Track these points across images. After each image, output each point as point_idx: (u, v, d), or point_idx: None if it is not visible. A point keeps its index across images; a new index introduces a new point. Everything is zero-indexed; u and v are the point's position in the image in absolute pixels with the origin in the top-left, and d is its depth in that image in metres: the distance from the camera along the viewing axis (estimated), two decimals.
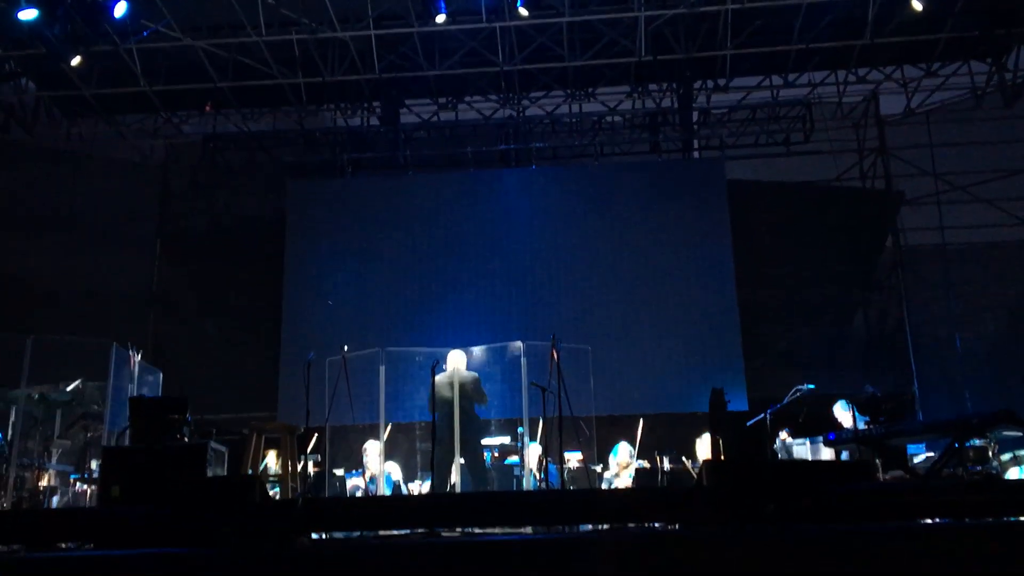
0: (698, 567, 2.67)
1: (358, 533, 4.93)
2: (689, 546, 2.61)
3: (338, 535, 5.14)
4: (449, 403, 8.53)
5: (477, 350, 9.74)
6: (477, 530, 4.56)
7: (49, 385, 8.76)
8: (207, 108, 13.68)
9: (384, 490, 9.03)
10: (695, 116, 13.77)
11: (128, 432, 7.02)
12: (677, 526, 4.26)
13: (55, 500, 8.34)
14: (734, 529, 3.11)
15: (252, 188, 14.39)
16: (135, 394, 9.22)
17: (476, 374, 8.90)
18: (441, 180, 13.56)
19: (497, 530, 4.85)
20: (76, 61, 10.75)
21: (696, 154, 14.07)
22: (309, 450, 9.04)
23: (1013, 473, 8.67)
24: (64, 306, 12.72)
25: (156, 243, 14.10)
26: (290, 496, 6.92)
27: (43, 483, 8.21)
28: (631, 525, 4.35)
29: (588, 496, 5.47)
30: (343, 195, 13.48)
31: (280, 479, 7.31)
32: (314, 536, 4.59)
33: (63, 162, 13.98)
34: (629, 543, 2.54)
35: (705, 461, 6.75)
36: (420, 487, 9.46)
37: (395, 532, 4.74)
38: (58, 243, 13.38)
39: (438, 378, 8.38)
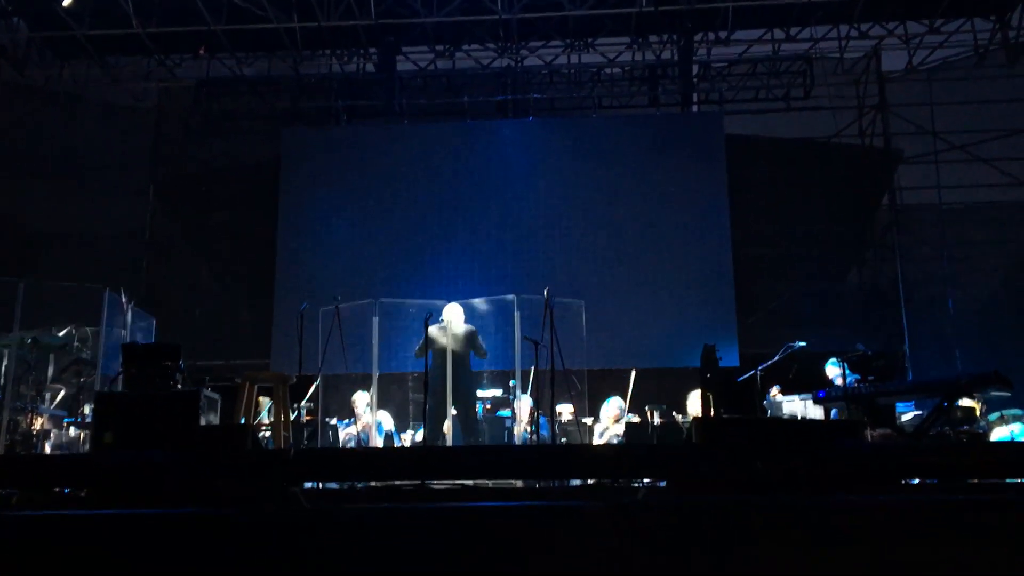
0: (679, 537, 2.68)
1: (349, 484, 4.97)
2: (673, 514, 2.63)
3: (331, 485, 5.19)
4: (443, 354, 8.56)
5: (471, 303, 9.73)
6: (468, 482, 4.59)
7: (42, 330, 8.74)
8: (201, 52, 13.48)
9: (376, 439, 9.09)
10: (695, 70, 13.61)
11: (121, 378, 7.04)
12: (664, 483, 4.30)
13: (48, 444, 8.38)
14: (723, 498, 3.12)
15: (246, 134, 14.26)
16: (128, 340, 9.22)
17: (473, 327, 8.92)
18: (437, 130, 13.46)
19: (488, 482, 4.89)
20: (68, 1, 10.55)
21: (695, 108, 13.96)
22: (306, 399, 9.10)
23: (999, 432, 8.76)
24: (56, 250, 12.69)
25: (149, 188, 13.99)
26: (283, 445, 6.96)
27: (37, 427, 8.23)
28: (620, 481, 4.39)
29: (578, 451, 5.51)
30: (338, 143, 13.38)
31: (273, 428, 7.35)
32: (307, 486, 4.62)
33: (55, 104, 13.81)
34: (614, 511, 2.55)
35: (695, 418, 6.80)
36: (412, 436, 9.53)
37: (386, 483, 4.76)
38: (49, 186, 13.28)
39: (433, 329, 8.40)
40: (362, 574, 2.83)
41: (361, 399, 9.40)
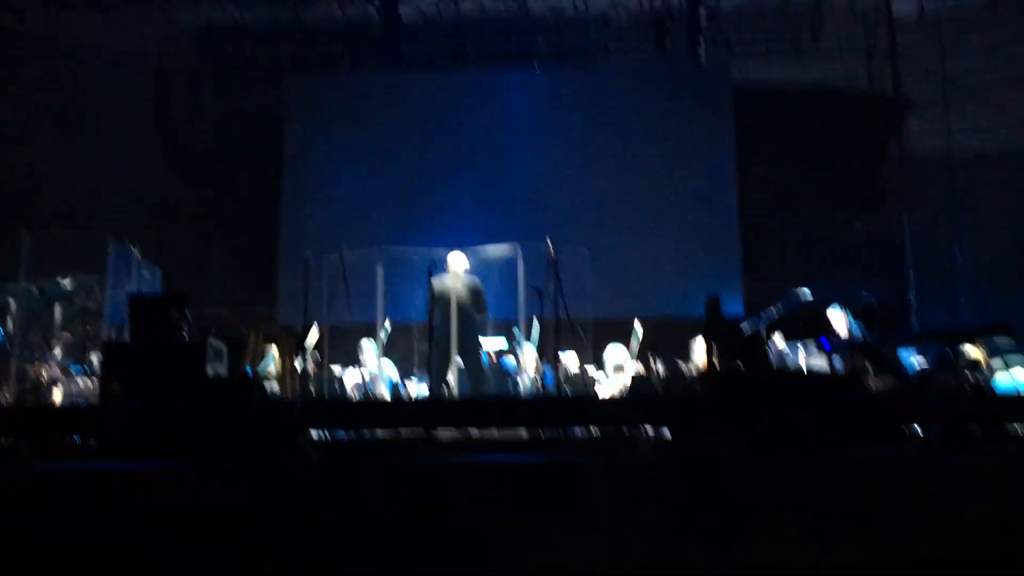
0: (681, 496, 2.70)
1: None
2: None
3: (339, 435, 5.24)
4: (447, 304, 8.57)
5: (474, 250, 9.70)
6: (473, 431, 4.63)
7: (48, 279, 8.77)
8: None
9: (382, 388, 9.15)
10: (703, 15, 13.40)
11: (127, 328, 7.06)
12: (668, 432, 4.33)
13: (57, 392, 8.45)
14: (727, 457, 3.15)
15: (249, 83, 14.13)
16: (134, 290, 9.24)
17: (478, 280, 8.86)
18: (441, 78, 13.31)
19: (494, 432, 4.93)
20: None
21: (702, 56, 13.77)
22: (312, 347, 9.12)
23: (1001, 377, 8.79)
24: (61, 200, 12.66)
25: (153, 138, 13.91)
26: (289, 396, 7.01)
27: (45, 376, 8.30)
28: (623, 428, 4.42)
29: (582, 401, 5.54)
30: (342, 91, 13.27)
31: (279, 379, 7.40)
32: (314, 434, 4.66)
33: (54, 54, 13.67)
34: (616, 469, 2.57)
35: (700, 371, 6.83)
36: (417, 386, 9.59)
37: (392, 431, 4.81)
38: (51, 135, 13.22)
39: (438, 279, 8.40)
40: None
41: (368, 347, 9.44)
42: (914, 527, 2.73)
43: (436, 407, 4.94)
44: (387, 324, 9.55)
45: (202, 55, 13.87)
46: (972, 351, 8.18)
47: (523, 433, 5.23)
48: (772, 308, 8.91)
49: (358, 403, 7.50)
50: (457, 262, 8.83)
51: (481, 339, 9.19)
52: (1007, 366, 8.61)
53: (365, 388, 9.18)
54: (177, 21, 13.83)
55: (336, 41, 13.70)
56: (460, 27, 13.60)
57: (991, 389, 8.16)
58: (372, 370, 9.27)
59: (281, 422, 4.45)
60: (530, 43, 13.48)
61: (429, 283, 8.06)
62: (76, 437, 4.78)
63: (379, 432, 4.98)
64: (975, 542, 2.71)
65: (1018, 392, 8.37)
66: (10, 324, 8.40)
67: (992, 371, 8.73)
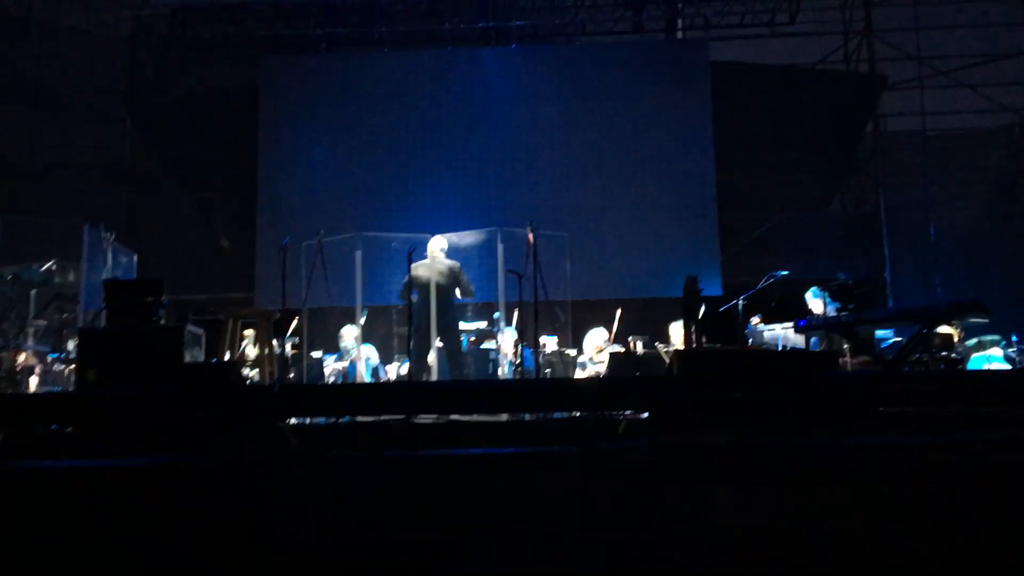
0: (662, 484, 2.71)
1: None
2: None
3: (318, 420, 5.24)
4: (427, 288, 8.57)
5: (454, 236, 9.70)
6: (454, 416, 4.65)
7: (22, 265, 8.68)
8: None
9: (363, 373, 9.15)
10: None
11: (103, 314, 7.01)
12: (647, 415, 4.36)
13: (33, 380, 8.38)
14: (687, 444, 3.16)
15: (224, 62, 13.98)
16: (110, 275, 9.16)
17: (457, 263, 8.89)
18: (418, 58, 13.24)
19: (475, 417, 4.93)
20: None
21: (679, 35, 13.77)
22: (289, 333, 9.10)
23: (975, 355, 8.91)
24: (33, 182, 12.53)
25: (126, 118, 13.75)
26: (267, 381, 6.99)
27: (20, 363, 8.23)
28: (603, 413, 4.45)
29: (561, 384, 5.57)
30: (318, 72, 13.16)
31: (258, 364, 7.37)
32: (292, 421, 4.66)
33: (26, 33, 13.48)
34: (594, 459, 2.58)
35: (675, 350, 6.87)
36: (398, 370, 9.59)
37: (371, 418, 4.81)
38: (24, 116, 13.07)
39: (416, 264, 8.40)
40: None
41: (349, 333, 9.42)
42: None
43: (415, 391, 4.95)
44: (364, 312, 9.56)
45: (176, 35, 13.69)
46: (946, 329, 8.28)
47: (504, 417, 5.26)
48: (751, 290, 8.99)
49: (336, 387, 7.50)
50: (436, 246, 8.84)
51: (461, 323, 9.22)
52: (982, 347, 8.73)
53: (345, 373, 9.17)
54: (150, 1, 13.65)
55: (311, 21, 13.56)
56: (436, 6, 13.50)
57: (962, 367, 8.28)
58: (352, 354, 9.26)
59: (258, 408, 4.44)
60: (507, 22, 13.40)
61: (408, 271, 8.05)
62: (54, 426, 4.74)
63: (359, 417, 4.98)
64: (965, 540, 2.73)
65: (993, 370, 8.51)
66: None
67: (967, 350, 8.85)
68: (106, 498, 2.88)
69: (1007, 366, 8.80)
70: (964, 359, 8.72)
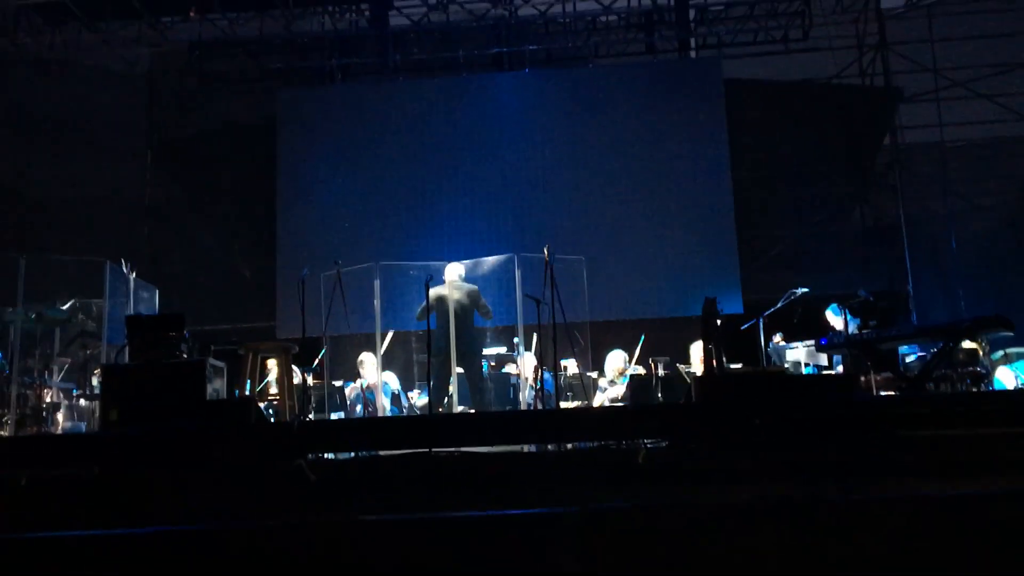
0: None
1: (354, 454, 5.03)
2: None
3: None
4: (446, 314, 8.59)
5: (471, 263, 9.74)
6: (472, 449, 4.64)
7: (45, 303, 8.78)
8: (191, 13, 13.32)
9: (383, 400, 9.16)
10: (692, 14, 13.41)
11: (126, 350, 7.07)
12: (665, 443, 4.34)
13: (60, 416, 8.47)
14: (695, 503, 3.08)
15: (241, 96, 14.14)
16: (132, 311, 9.25)
17: (475, 286, 8.93)
18: (433, 86, 13.35)
19: (498, 448, 4.92)
20: None
21: (693, 54, 13.79)
22: (315, 364, 9.14)
23: (1002, 372, 8.80)
24: (56, 219, 12.68)
25: (146, 153, 13.92)
26: (287, 415, 7.02)
27: (46, 401, 8.32)
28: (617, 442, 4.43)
29: (578, 413, 5.55)
30: (333, 103, 13.28)
31: (278, 396, 7.40)
32: (310, 457, 4.67)
33: (46, 72, 13.70)
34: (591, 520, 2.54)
35: (694, 376, 6.83)
36: (418, 397, 9.60)
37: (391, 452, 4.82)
38: (45, 154, 13.24)
39: (435, 289, 8.43)
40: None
41: (369, 360, 9.45)
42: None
43: (432, 425, 4.95)
44: (389, 335, 9.59)
45: (193, 71, 13.86)
46: (970, 343, 8.19)
47: (530, 448, 5.23)
48: (772, 308, 8.94)
49: (353, 421, 7.51)
50: (454, 272, 8.88)
51: (482, 349, 9.23)
52: (1009, 360, 8.63)
53: (366, 400, 9.19)
54: (168, 37, 13.83)
55: (326, 52, 13.70)
56: (450, 34, 13.60)
57: (985, 386, 8.19)
58: (373, 381, 9.28)
59: (277, 445, 4.46)
60: (520, 47, 13.47)
61: (426, 295, 8.08)
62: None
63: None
64: None
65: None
66: (9, 349, 8.41)
67: (992, 364, 8.75)
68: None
69: None
70: (990, 373, 8.62)
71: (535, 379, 8.67)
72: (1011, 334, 7.55)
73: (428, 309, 8.17)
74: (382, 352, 9.37)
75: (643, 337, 9.40)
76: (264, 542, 2.83)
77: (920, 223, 13.16)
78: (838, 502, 2.89)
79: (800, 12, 13.15)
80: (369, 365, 9.38)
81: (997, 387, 8.50)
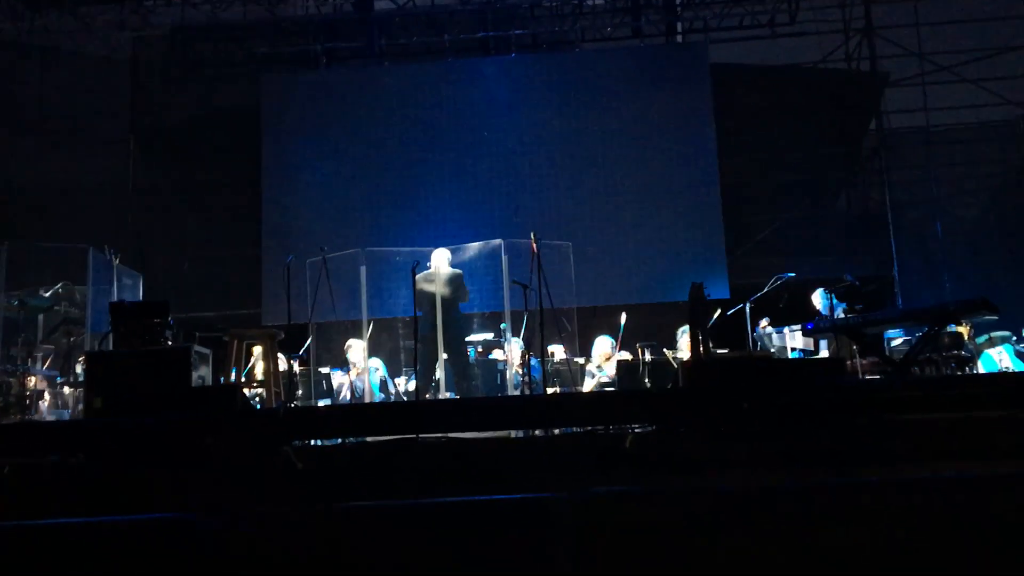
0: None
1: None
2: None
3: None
4: (432, 300, 8.57)
5: (458, 248, 9.71)
6: (459, 435, 4.62)
7: (28, 290, 8.70)
8: None
9: (370, 387, 9.14)
10: None
11: (110, 337, 7.02)
12: (653, 427, 4.33)
13: (43, 404, 8.40)
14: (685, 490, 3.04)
15: (225, 81, 14.02)
16: (116, 298, 9.18)
17: (459, 271, 8.92)
18: (418, 71, 13.27)
19: (486, 434, 4.91)
20: None
21: (679, 38, 13.76)
22: (303, 350, 9.13)
23: (995, 352, 8.85)
24: (39, 205, 12.55)
25: (129, 139, 13.78)
26: (273, 401, 6.99)
27: (29, 388, 8.24)
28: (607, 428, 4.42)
29: (565, 399, 5.55)
30: (318, 88, 13.19)
31: (264, 384, 7.37)
32: (296, 444, 4.64)
33: (28, 56, 13.55)
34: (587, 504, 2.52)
35: (681, 362, 6.84)
36: (405, 383, 9.57)
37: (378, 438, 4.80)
38: (27, 140, 13.11)
39: (421, 276, 8.40)
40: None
41: (356, 346, 9.42)
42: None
43: (418, 410, 4.93)
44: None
45: (176, 56, 13.72)
46: (955, 328, 8.22)
47: (516, 433, 5.22)
48: (758, 293, 8.96)
49: (339, 408, 7.48)
50: (440, 258, 8.85)
51: (468, 335, 9.22)
52: (993, 344, 8.67)
53: (352, 385, 9.16)
54: (150, 21, 13.68)
55: (311, 37, 13.59)
56: (435, 19, 13.51)
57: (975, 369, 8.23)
58: (361, 368, 9.26)
59: (264, 432, 4.43)
60: (506, 32, 13.41)
61: (413, 281, 8.05)
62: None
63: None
64: None
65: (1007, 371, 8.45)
66: None
67: (977, 347, 8.80)
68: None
69: (1018, 361, 8.75)
70: (975, 356, 8.67)
71: (522, 365, 8.67)
72: (996, 318, 7.57)
73: (418, 298, 8.15)
74: (367, 337, 9.34)
75: (623, 316, 9.39)
76: (249, 529, 2.81)
77: (906, 208, 13.20)
78: (829, 487, 2.89)
79: None
80: (357, 351, 9.35)
81: (986, 369, 8.56)
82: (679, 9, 13.49)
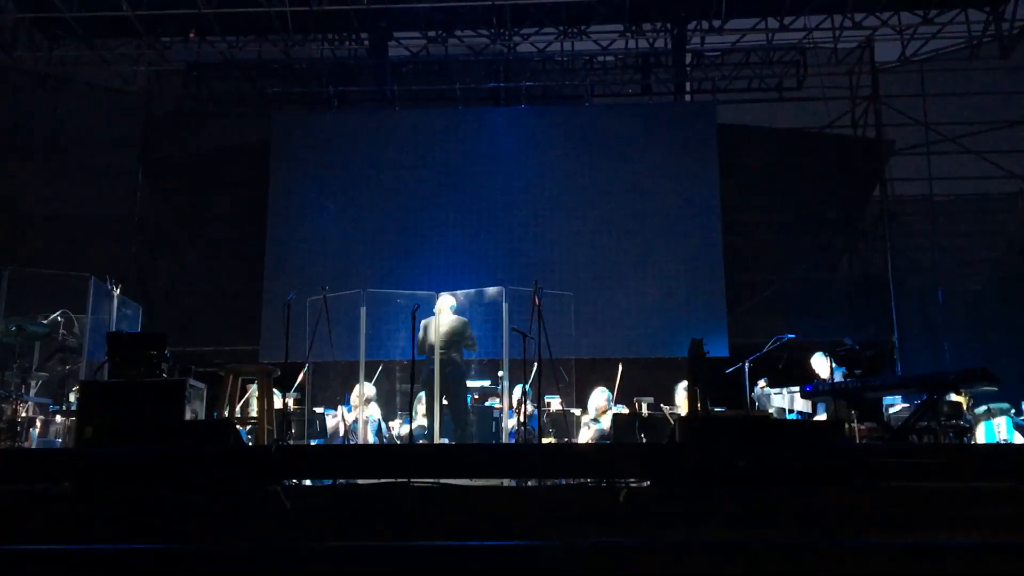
0: None
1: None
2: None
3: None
4: (432, 345, 8.55)
5: (459, 294, 9.71)
6: (452, 481, 4.57)
7: (26, 316, 8.67)
8: (191, 35, 13.37)
9: (367, 431, 9.07)
10: (688, 59, 13.56)
11: (106, 366, 7.00)
12: (648, 483, 4.29)
13: (34, 432, 8.33)
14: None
15: (236, 118, 14.14)
16: (114, 328, 9.16)
17: (464, 318, 8.92)
18: (428, 117, 13.38)
19: (479, 482, 4.86)
20: None
21: (688, 97, 13.91)
22: (295, 387, 9.08)
23: (984, 427, 8.79)
24: (44, 233, 12.61)
25: (138, 171, 13.86)
26: (266, 439, 6.93)
27: (21, 415, 8.18)
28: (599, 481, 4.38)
29: (561, 449, 5.50)
30: (328, 129, 13.28)
31: (257, 422, 7.31)
32: (286, 483, 4.60)
33: (43, 87, 13.70)
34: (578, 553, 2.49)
35: (679, 417, 6.80)
36: (400, 427, 9.51)
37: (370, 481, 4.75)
38: (38, 169, 13.21)
39: (425, 321, 8.41)
40: None
41: (368, 391, 9.30)
42: None
43: (411, 455, 4.88)
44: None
45: (190, 91, 13.86)
46: (954, 397, 8.19)
47: (507, 482, 5.17)
48: (758, 353, 8.94)
49: (330, 448, 7.42)
50: (443, 304, 8.86)
51: (467, 381, 9.17)
52: (991, 415, 8.62)
53: (348, 429, 9.07)
54: (166, 57, 13.86)
55: (324, 79, 13.74)
56: (447, 67, 13.69)
57: (970, 440, 8.17)
58: (357, 412, 9.19)
59: (254, 470, 4.39)
60: (517, 83, 13.56)
61: (415, 326, 8.03)
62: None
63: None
64: None
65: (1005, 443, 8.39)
66: None
67: (975, 418, 8.74)
68: None
69: (1016, 435, 8.70)
70: (973, 427, 8.61)
71: (519, 413, 8.60)
72: (995, 389, 7.54)
73: (424, 341, 8.14)
74: (368, 380, 9.29)
75: (620, 368, 9.36)
76: (230, 565, 2.77)
77: (907, 274, 13.23)
78: (822, 548, 2.85)
79: (795, 62, 13.33)
80: (356, 394, 9.26)
81: (988, 439, 8.50)
82: (689, 69, 13.66)
